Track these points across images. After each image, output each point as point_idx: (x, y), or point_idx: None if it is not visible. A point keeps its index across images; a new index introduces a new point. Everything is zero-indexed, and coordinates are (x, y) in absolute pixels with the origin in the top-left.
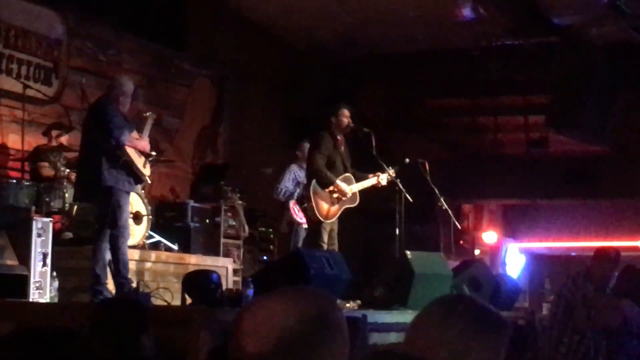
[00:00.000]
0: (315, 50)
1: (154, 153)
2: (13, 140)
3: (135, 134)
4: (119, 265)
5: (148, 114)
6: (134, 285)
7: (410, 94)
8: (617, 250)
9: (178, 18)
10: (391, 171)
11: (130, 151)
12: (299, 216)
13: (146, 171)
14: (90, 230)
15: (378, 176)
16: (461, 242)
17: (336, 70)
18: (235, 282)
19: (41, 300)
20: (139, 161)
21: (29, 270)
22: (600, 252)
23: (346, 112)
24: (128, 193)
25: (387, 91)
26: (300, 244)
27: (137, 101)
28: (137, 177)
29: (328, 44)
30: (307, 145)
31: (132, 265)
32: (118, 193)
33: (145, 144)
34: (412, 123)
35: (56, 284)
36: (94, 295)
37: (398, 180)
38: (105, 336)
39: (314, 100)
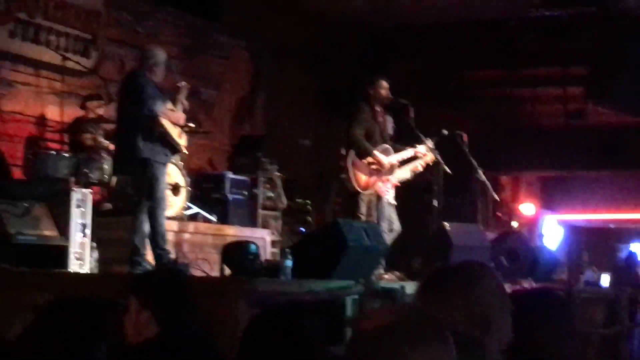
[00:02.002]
0: (349, 20)
1: (192, 124)
2: (52, 112)
3: (169, 105)
4: (157, 237)
5: (182, 84)
6: (173, 256)
7: (445, 65)
8: None
9: None
10: (429, 143)
11: (165, 122)
12: (383, 189)
13: (182, 141)
14: (129, 202)
15: (416, 148)
16: (499, 214)
17: (369, 41)
18: (273, 254)
19: (81, 271)
20: (173, 131)
21: (68, 241)
22: None
23: (384, 84)
24: (164, 164)
25: (421, 63)
26: (382, 220)
27: (171, 72)
28: (173, 148)
29: (361, 15)
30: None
31: (170, 237)
32: (154, 165)
33: (179, 115)
34: (447, 95)
35: (95, 254)
36: (133, 266)
37: (436, 152)
38: (147, 302)
39: (347, 73)
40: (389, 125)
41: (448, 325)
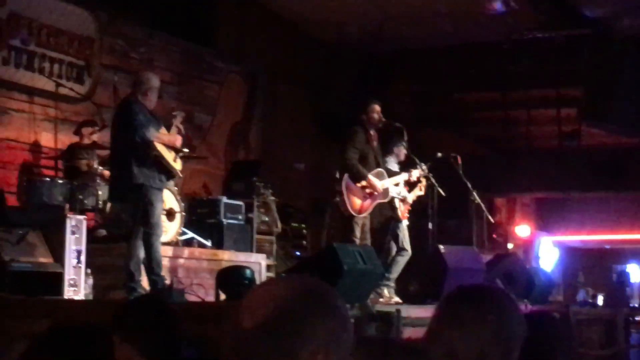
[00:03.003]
0: (344, 45)
1: (185, 150)
2: (46, 139)
3: (163, 130)
4: (152, 263)
5: (176, 112)
6: (168, 282)
7: (441, 88)
8: None
9: (208, 15)
10: (423, 166)
11: (160, 146)
12: (405, 213)
13: (177, 166)
14: (124, 228)
15: (410, 172)
16: (494, 236)
17: (366, 65)
18: (268, 278)
19: (75, 298)
20: (168, 156)
21: (63, 267)
22: None
23: (377, 108)
24: (160, 190)
25: (417, 86)
26: (399, 243)
27: (162, 99)
28: (169, 173)
29: (357, 40)
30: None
31: (165, 262)
32: (150, 190)
33: (175, 137)
34: (443, 118)
35: (90, 281)
36: (128, 292)
37: (430, 175)
38: (128, 335)
39: (343, 96)
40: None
41: (468, 346)
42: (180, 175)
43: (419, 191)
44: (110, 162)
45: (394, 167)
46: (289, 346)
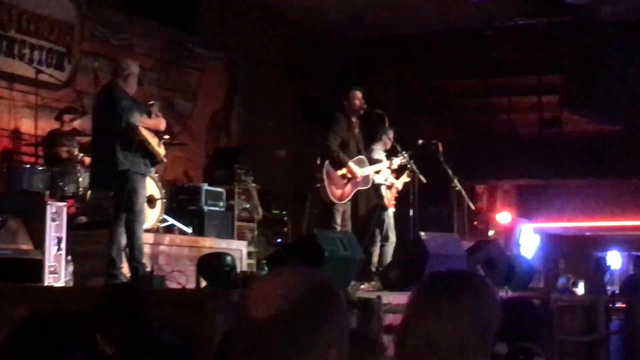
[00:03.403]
0: (326, 31)
1: (167, 136)
2: (26, 125)
3: (145, 116)
4: (134, 250)
5: (152, 102)
6: (149, 269)
7: (422, 75)
8: None
9: (190, 1)
10: (405, 154)
11: (144, 131)
12: (391, 200)
13: (161, 150)
14: (104, 215)
15: (391, 159)
16: (475, 223)
17: (347, 52)
18: (249, 265)
19: (56, 285)
20: (153, 141)
21: (43, 254)
22: None
23: (358, 94)
24: (144, 176)
25: (399, 73)
26: (384, 230)
27: (143, 85)
28: (153, 158)
29: (339, 26)
30: (390, 133)
31: (146, 249)
32: (134, 176)
33: (159, 121)
34: (424, 105)
35: (71, 268)
36: (109, 279)
37: (412, 162)
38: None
39: (325, 83)
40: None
41: (447, 336)
42: (165, 159)
43: (406, 178)
44: (92, 149)
45: (381, 154)
46: (303, 340)
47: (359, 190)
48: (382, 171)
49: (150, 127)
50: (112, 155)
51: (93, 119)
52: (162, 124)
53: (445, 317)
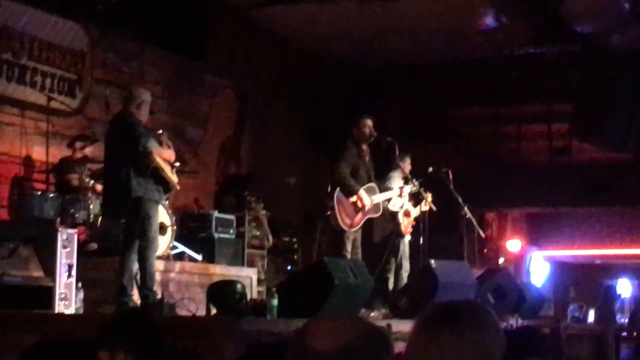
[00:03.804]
0: (336, 61)
1: (177, 164)
2: (38, 152)
3: (157, 144)
4: (145, 277)
5: (160, 131)
6: (159, 296)
7: (432, 103)
8: None
9: (200, 30)
10: (415, 182)
11: (158, 158)
12: (408, 228)
13: (174, 178)
14: (115, 242)
15: (401, 188)
16: (485, 250)
17: (357, 80)
18: (259, 292)
19: (66, 312)
20: (166, 168)
21: (54, 281)
22: None
23: (368, 122)
24: (157, 203)
25: (409, 101)
26: (398, 258)
27: (152, 114)
28: (166, 185)
29: (349, 54)
30: (408, 160)
31: (156, 276)
32: (147, 203)
33: (170, 152)
34: (434, 133)
35: (81, 295)
36: (120, 306)
37: (422, 190)
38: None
39: (335, 111)
40: None
41: None
42: (178, 187)
43: (424, 206)
44: (105, 176)
45: (399, 182)
46: None
47: (375, 217)
48: (399, 199)
49: (163, 157)
50: (126, 182)
51: (106, 146)
52: (172, 156)
53: (447, 349)
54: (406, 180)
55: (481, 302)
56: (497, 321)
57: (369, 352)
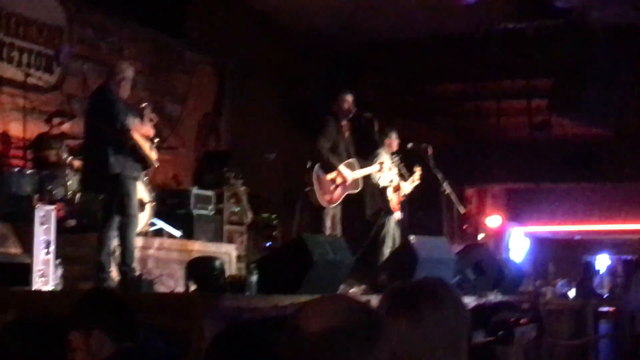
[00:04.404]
0: (315, 36)
1: (156, 140)
2: (15, 129)
3: (137, 121)
4: (125, 254)
5: (144, 104)
6: (137, 273)
7: (412, 80)
8: None
9: (179, 6)
10: (394, 158)
11: (136, 135)
12: (395, 205)
13: (153, 155)
14: (93, 218)
15: (381, 164)
16: (465, 226)
17: (337, 57)
18: (238, 269)
19: (44, 288)
20: (145, 145)
21: (32, 258)
22: None
23: (348, 98)
24: (136, 179)
25: (388, 78)
26: (384, 235)
27: (134, 89)
28: (145, 162)
29: (328, 30)
30: (393, 135)
31: (135, 253)
32: (126, 180)
33: (148, 128)
34: (413, 109)
35: (60, 272)
36: (98, 283)
37: (401, 166)
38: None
39: (314, 87)
40: None
41: (414, 350)
42: (156, 164)
43: (416, 180)
44: (83, 152)
45: (385, 158)
46: (358, 356)
47: (365, 193)
48: (388, 174)
49: (142, 133)
50: (104, 158)
51: (85, 122)
52: (150, 131)
53: (407, 335)
54: (393, 156)
55: (442, 280)
56: (457, 297)
57: (363, 332)
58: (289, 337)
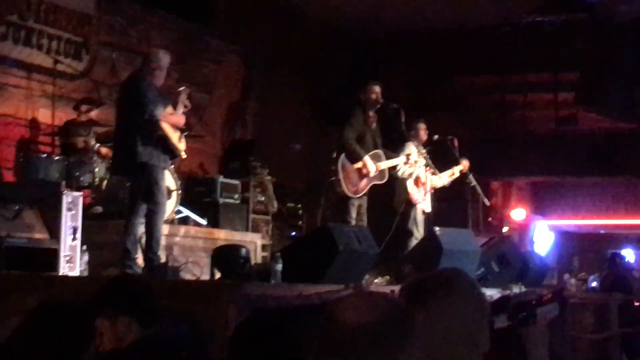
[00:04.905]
0: (341, 28)
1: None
2: (43, 115)
3: (169, 108)
4: (151, 241)
5: (182, 88)
6: (163, 260)
7: (437, 72)
8: None
9: None
10: (422, 149)
11: (165, 126)
12: (416, 196)
13: (181, 145)
14: (120, 205)
15: (408, 155)
16: (489, 219)
17: (362, 48)
18: (263, 257)
19: (71, 274)
20: (173, 136)
21: (59, 244)
22: None
23: (376, 88)
24: (163, 169)
25: (414, 69)
26: (409, 226)
27: (169, 76)
28: (173, 152)
29: (355, 22)
30: (422, 125)
31: (161, 240)
32: (153, 169)
33: (179, 118)
34: (439, 101)
35: (86, 257)
36: (124, 269)
37: (428, 157)
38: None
39: (339, 78)
40: None
41: (432, 342)
42: (184, 155)
43: (455, 175)
44: (113, 138)
45: (412, 150)
46: (391, 351)
47: (395, 184)
48: (406, 166)
49: (172, 123)
50: (133, 146)
51: (117, 107)
52: (182, 120)
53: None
54: (421, 148)
55: (458, 270)
56: (473, 286)
57: (395, 327)
58: (324, 329)
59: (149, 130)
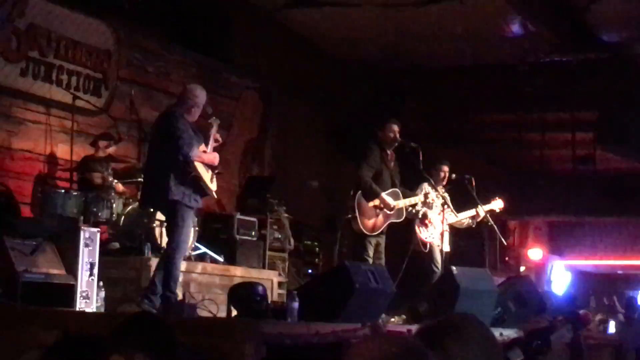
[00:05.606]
0: (359, 62)
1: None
2: (62, 150)
3: (202, 146)
4: (169, 279)
5: (212, 119)
6: (180, 297)
7: (455, 108)
8: None
9: (225, 30)
10: (441, 190)
11: (198, 165)
12: (424, 235)
13: (213, 186)
14: (137, 241)
15: (426, 194)
16: (506, 258)
17: (380, 83)
18: (280, 295)
19: (87, 310)
20: (206, 175)
21: (76, 279)
22: None
23: (394, 127)
24: (192, 209)
25: (431, 105)
26: (426, 265)
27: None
28: (204, 192)
29: (372, 57)
30: (445, 167)
31: (179, 278)
32: (183, 208)
33: (213, 157)
34: (456, 138)
35: (102, 293)
36: (142, 302)
37: (447, 197)
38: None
39: (358, 114)
40: None
41: None
42: (215, 196)
43: (481, 216)
44: (145, 171)
45: (430, 189)
46: None
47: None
48: (422, 205)
49: (205, 162)
50: (165, 183)
51: (151, 141)
52: (216, 159)
53: None
54: (440, 188)
55: (466, 315)
56: (484, 330)
57: None
58: None
59: (182, 170)
